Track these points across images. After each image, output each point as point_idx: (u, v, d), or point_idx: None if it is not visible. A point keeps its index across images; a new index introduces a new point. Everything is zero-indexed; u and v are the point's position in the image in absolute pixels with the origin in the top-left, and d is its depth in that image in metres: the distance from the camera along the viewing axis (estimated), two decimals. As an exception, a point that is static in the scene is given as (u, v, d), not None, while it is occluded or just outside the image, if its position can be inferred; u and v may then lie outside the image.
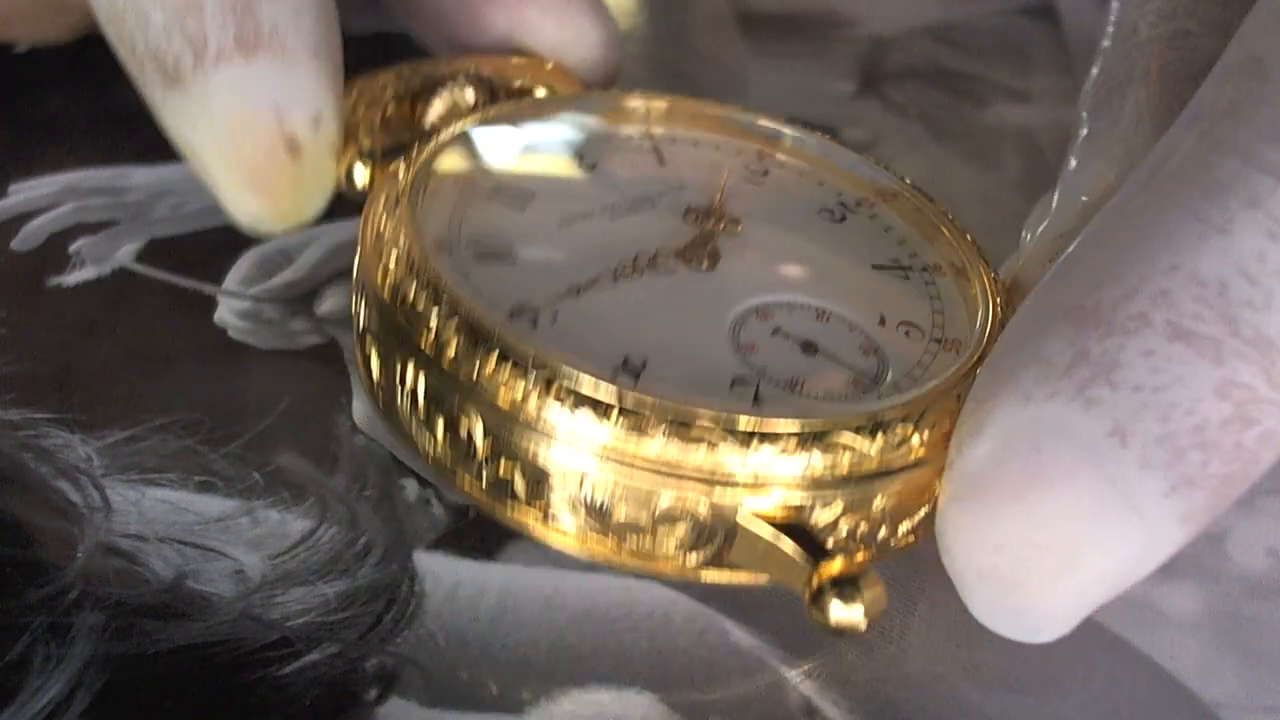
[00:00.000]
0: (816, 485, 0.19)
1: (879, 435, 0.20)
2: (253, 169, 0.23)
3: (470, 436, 0.20)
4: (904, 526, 0.21)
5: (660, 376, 0.20)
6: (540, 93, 0.26)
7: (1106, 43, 0.25)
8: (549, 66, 0.27)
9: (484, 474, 0.20)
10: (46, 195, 0.29)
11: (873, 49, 0.38)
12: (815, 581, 0.18)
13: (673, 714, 0.21)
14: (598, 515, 0.20)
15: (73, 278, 0.27)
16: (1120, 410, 0.18)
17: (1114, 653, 0.23)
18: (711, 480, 0.19)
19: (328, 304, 0.27)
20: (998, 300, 0.22)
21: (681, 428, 0.19)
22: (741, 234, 0.23)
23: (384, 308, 0.21)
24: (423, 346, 0.20)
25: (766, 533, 0.19)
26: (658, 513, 0.20)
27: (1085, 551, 0.18)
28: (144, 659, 0.20)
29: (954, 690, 0.22)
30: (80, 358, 0.26)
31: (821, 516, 0.20)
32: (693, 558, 0.20)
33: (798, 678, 0.22)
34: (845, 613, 0.18)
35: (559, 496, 0.20)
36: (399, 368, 0.21)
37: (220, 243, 0.28)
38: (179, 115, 0.23)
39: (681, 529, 0.20)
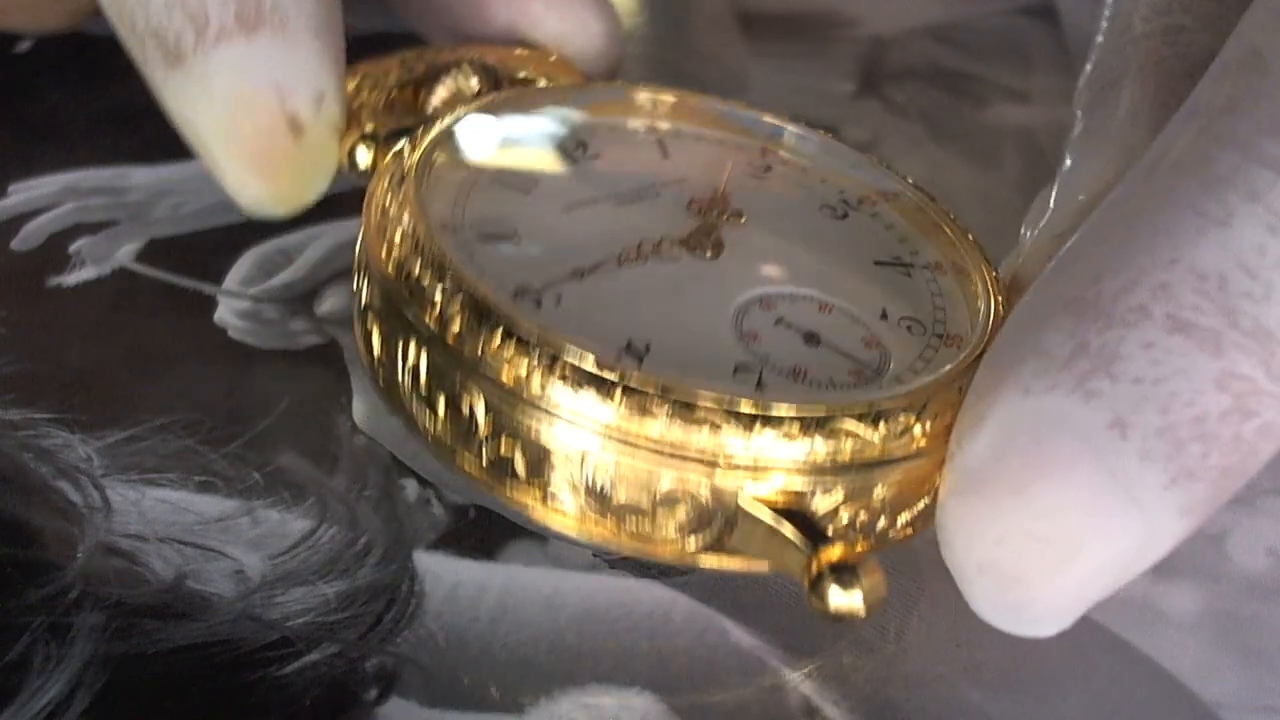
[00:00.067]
0: (818, 471, 0.19)
1: (881, 424, 0.20)
2: (254, 149, 0.23)
3: (471, 414, 0.20)
4: (903, 518, 0.20)
5: (663, 361, 0.20)
6: (543, 84, 0.26)
7: (1101, 38, 0.25)
8: (552, 59, 0.27)
9: (484, 452, 0.20)
10: (46, 195, 0.29)
11: (873, 49, 0.38)
12: (814, 567, 0.18)
13: (672, 714, 0.21)
14: (598, 496, 0.20)
15: (73, 278, 0.27)
16: (1120, 402, 0.18)
17: (1114, 653, 0.23)
18: (713, 463, 0.19)
19: (328, 304, 0.27)
20: (999, 298, 0.22)
21: (685, 409, 0.19)
22: (745, 226, 0.23)
23: (387, 285, 0.21)
24: (426, 323, 0.20)
25: (767, 517, 0.19)
26: (658, 495, 0.19)
27: (1085, 544, 0.18)
28: (144, 659, 0.20)
29: (954, 690, 0.22)
30: (80, 358, 0.26)
31: (822, 504, 0.20)
32: (692, 541, 0.20)
33: (798, 678, 0.22)
34: (844, 599, 0.18)
35: (559, 476, 0.20)
36: (401, 345, 0.21)
37: (220, 243, 0.28)
38: (180, 95, 0.23)
39: (682, 512, 0.20)
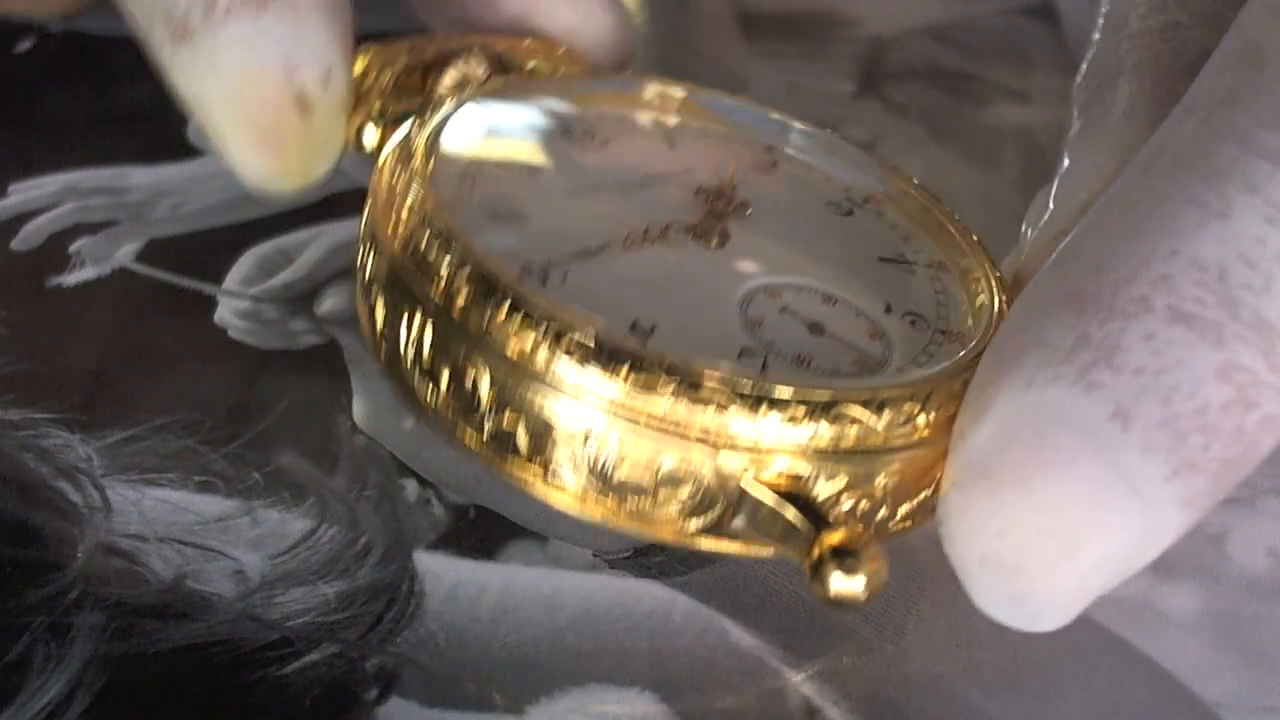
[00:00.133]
0: (821, 457, 0.19)
1: (885, 411, 0.19)
2: (262, 126, 0.23)
3: (475, 388, 0.20)
4: (903, 509, 0.20)
5: (668, 342, 0.20)
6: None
7: (1097, 35, 0.25)
8: (561, 51, 0.27)
9: (486, 427, 0.20)
10: (46, 195, 0.29)
11: (873, 49, 0.38)
12: (816, 551, 0.18)
13: (672, 714, 0.21)
14: (599, 473, 0.20)
15: (73, 278, 0.27)
16: (1122, 393, 0.18)
17: (1114, 653, 0.23)
18: (717, 443, 0.19)
19: (328, 304, 0.27)
20: (1002, 297, 0.22)
21: (691, 388, 0.19)
22: (750, 217, 0.23)
23: (394, 258, 0.21)
24: (432, 296, 0.20)
25: (770, 499, 0.19)
26: (661, 474, 0.19)
27: (1087, 537, 0.18)
28: (144, 659, 0.20)
29: (954, 690, 0.22)
30: (80, 358, 0.26)
31: (824, 489, 0.19)
32: (693, 523, 0.20)
33: (798, 678, 0.22)
34: (845, 584, 0.18)
35: (562, 453, 0.20)
36: (405, 318, 0.21)
37: (220, 243, 0.28)
38: (187, 71, 0.23)
39: (684, 492, 0.19)
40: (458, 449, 0.20)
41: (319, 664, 0.21)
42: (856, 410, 0.19)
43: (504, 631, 0.22)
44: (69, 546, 0.21)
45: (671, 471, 0.19)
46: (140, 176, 0.30)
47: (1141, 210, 0.19)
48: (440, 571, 0.22)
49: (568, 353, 0.19)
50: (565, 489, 0.20)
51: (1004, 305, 0.22)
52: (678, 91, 0.26)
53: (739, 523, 0.20)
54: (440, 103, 0.24)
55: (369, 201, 0.22)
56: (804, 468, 0.19)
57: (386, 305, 0.21)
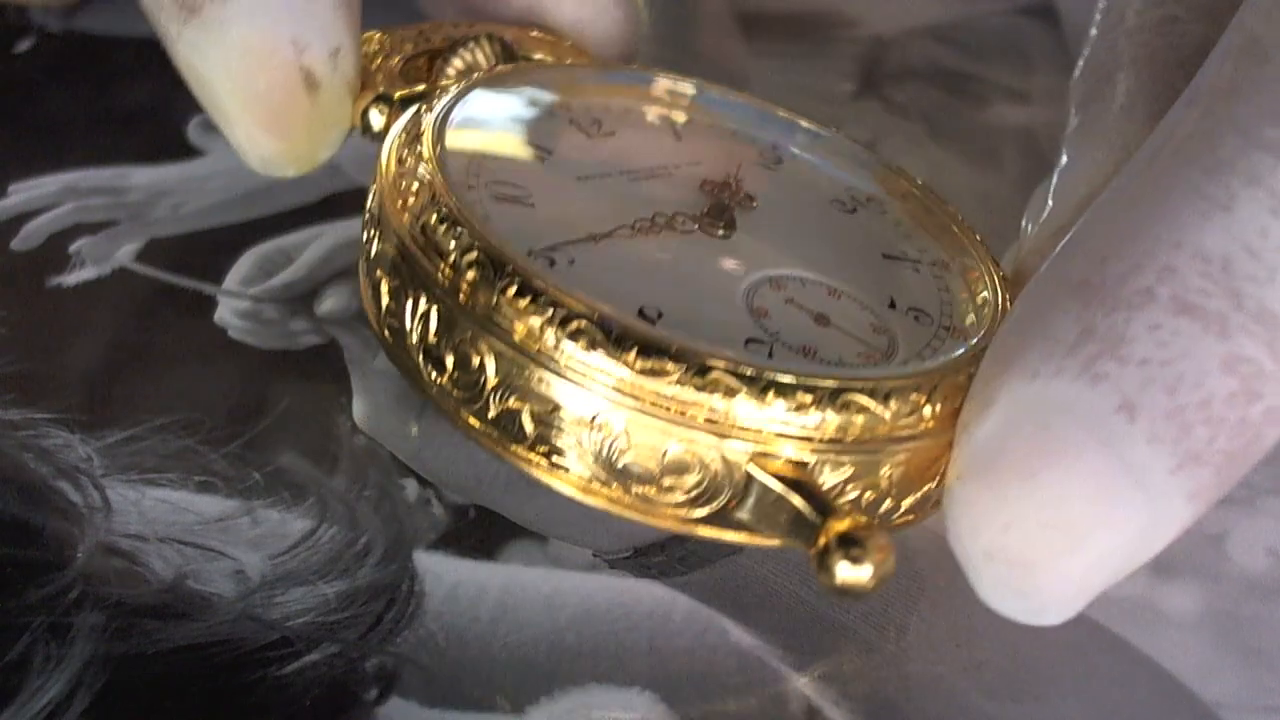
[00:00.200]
0: (828, 445, 0.19)
1: (892, 401, 0.19)
2: (269, 104, 0.23)
3: (480, 371, 0.20)
4: (907, 501, 0.20)
5: (674, 329, 0.20)
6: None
7: (1094, 31, 0.25)
8: (567, 44, 0.27)
9: (490, 411, 0.20)
10: (46, 195, 0.29)
11: (873, 49, 0.38)
12: (823, 539, 0.18)
13: (672, 714, 0.21)
14: (605, 459, 0.20)
15: (73, 278, 0.27)
16: (1127, 384, 0.18)
17: (1114, 653, 0.23)
18: (724, 430, 0.19)
19: (328, 304, 0.27)
20: (1006, 294, 0.22)
21: (699, 373, 0.19)
22: (756, 210, 0.23)
23: (401, 237, 0.21)
24: (438, 278, 0.20)
25: (776, 486, 0.19)
26: (667, 460, 0.19)
27: (1092, 531, 0.18)
28: (144, 659, 0.20)
29: (954, 690, 0.22)
30: (80, 358, 0.26)
31: (830, 478, 0.19)
32: (697, 511, 0.20)
33: (798, 678, 0.22)
34: (852, 573, 0.18)
35: (567, 437, 0.20)
36: (410, 300, 0.21)
37: (220, 243, 0.28)
38: (195, 49, 0.23)
39: (690, 479, 0.19)
40: (460, 430, 0.20)
41: (319, 664, 0.21)
42: (863, 399, 0.19)
43: (504, 631, 0.22)
44: (69, 546, 0.21)
45: (677, 458, 0.19)
46: (140, 176, 0.30)
47: (1145, 202, 0.19)
48: (440, 571, 0.22)
49: (575, 336, 0.19)
50: (569, 474, 0.20)
51: (1007, 302, 0.22)
52: (684, 86, 0.26)
53: (744, 511, 0.19)
54: (447, 88, 0.24)
55: (374, 184, 0.22)
56: (810, 456, 0.19)
57: (391, 288, 0.21)
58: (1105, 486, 0.18)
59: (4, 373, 0.24)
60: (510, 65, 0.25)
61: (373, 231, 0.22)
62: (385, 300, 0.21)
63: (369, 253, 0.22)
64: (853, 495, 0.20)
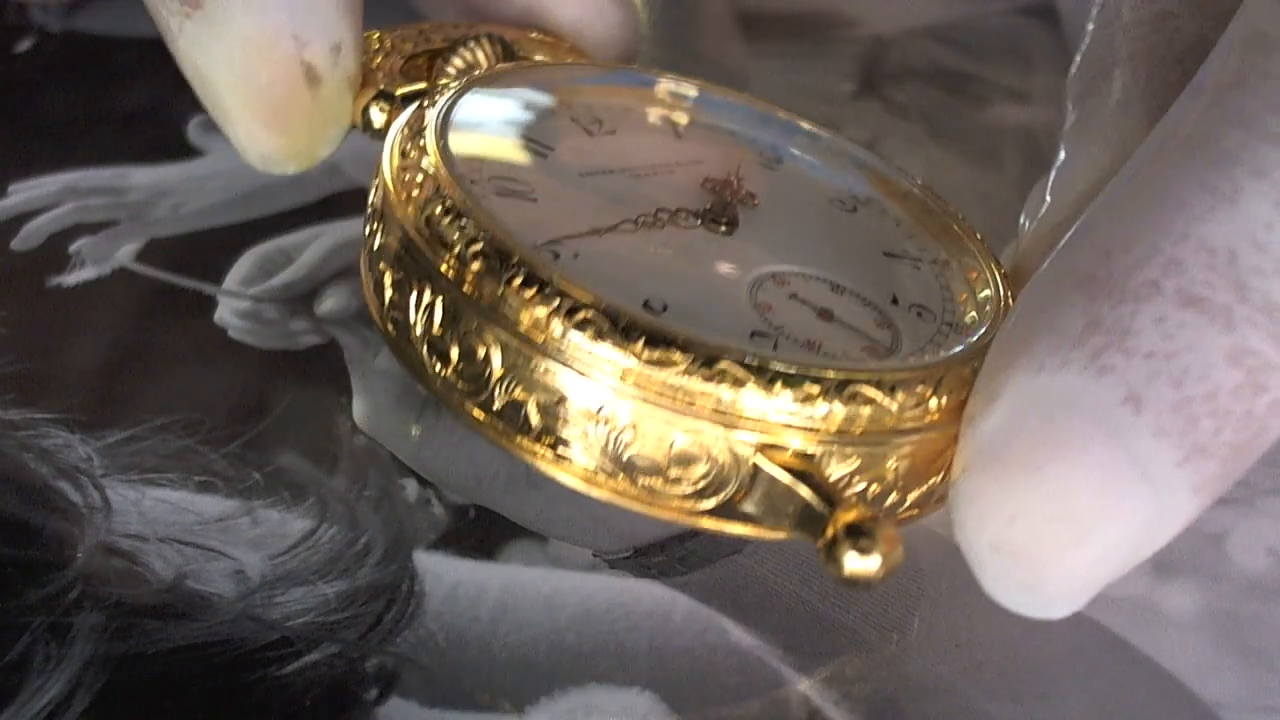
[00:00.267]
0: (835, 437, 0.19)
1: (898, 393, 0.19)
2: (270, 99, 0.23)
3: (485, 362, 0.20)
4: (913, 495, 0.20)
5: (680, 321, 0.20)
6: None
7: (1091, 27, 0.25)
8: (566, 45, 0.27)
9: (495, 402, 0.20)
10: (46, 195, 0.29)
11: (873, 49, 0.38)
12: (831, 530, 0.18)
13: (672, 714, 0.21)
14: (611, 450, 0.19)
15: (73, 278, 0.27)
16: (1133, 377, 0.18)
17: (1114, 653, 0.23)
18: (731, 421, 0.19)
19: (328, 304, 0.27)
20: (1008, 292, 0.22)
21: (706, 364, 0.19)
22: (758, 208, 0.23)
23: (406, 229, 0.21)
24: (443, 269, 0.20)
25: (784, 477, 0.19)
26: (674, 451, 0.19)
27: (1098, 523, 0.18)
28: (144, 659, 0.20)
29: (954, 690, 0.22)
30: (80, 358, 0.26)
31: (836, 470, 0.19)
32: (704, 503, 0.20)
33: (798, 678, 0.22)
34: (861, 563, 0.18)
35: (573, 428, 0.20)
36: (414, 292, 0.21)
37: (220, 243, 0.28)
38: (196, 43, 0.23)
39: (696, 470, 0.19)
40: (465, 422, 0.20)
41: (319, 664, 0.21)
42: (870, 390, 0.19)
43: (504, 631, 0.22)
44: (69, 546, 0.21)
45: (684, 449, 0.19)
46: (140, 176, 0.30)
47: (1150, 194, 0.19)
48: (440, 571, 0.22)
49: (582, 326, 0.19)
50: (574, 466, 0.20)
51: (1009, 300, 0.22)
52: (684, 87, 0.26)
53: (750, 504, 0.19)
54: (448, 85, 0.24)
55: (376, 179, 0.22)
56: (817, 448, 0.19)
57: (395, 280, 0.21)
58: (1111, 479, 0.18)
59: (4, 373, 0.24)
60: (511, 64, 0.25)
61: (375, 225, 0.22)
62: (389, 293, 0.21)
63: (372, 246, 0.22)
64: (859, 488, 0.20)
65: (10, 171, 0.29)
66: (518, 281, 0.19)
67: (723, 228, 0.23)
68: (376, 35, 0.25)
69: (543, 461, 0.20)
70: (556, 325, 0.19)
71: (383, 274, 0.21)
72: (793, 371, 0.19)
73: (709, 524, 0.20)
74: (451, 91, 0.23)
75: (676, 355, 0.19)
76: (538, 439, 0.20)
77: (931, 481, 0.20)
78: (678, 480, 0.19)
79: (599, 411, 0.19)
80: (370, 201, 0.22)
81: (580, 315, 0.19)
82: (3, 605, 0.20)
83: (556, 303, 0.19)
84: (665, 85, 0.26)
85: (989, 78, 0.37)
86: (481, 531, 0.23)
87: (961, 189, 0.33)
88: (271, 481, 0.23)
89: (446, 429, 0.25)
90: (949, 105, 0.36)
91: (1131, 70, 0.23)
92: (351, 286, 0.27)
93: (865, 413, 0.19)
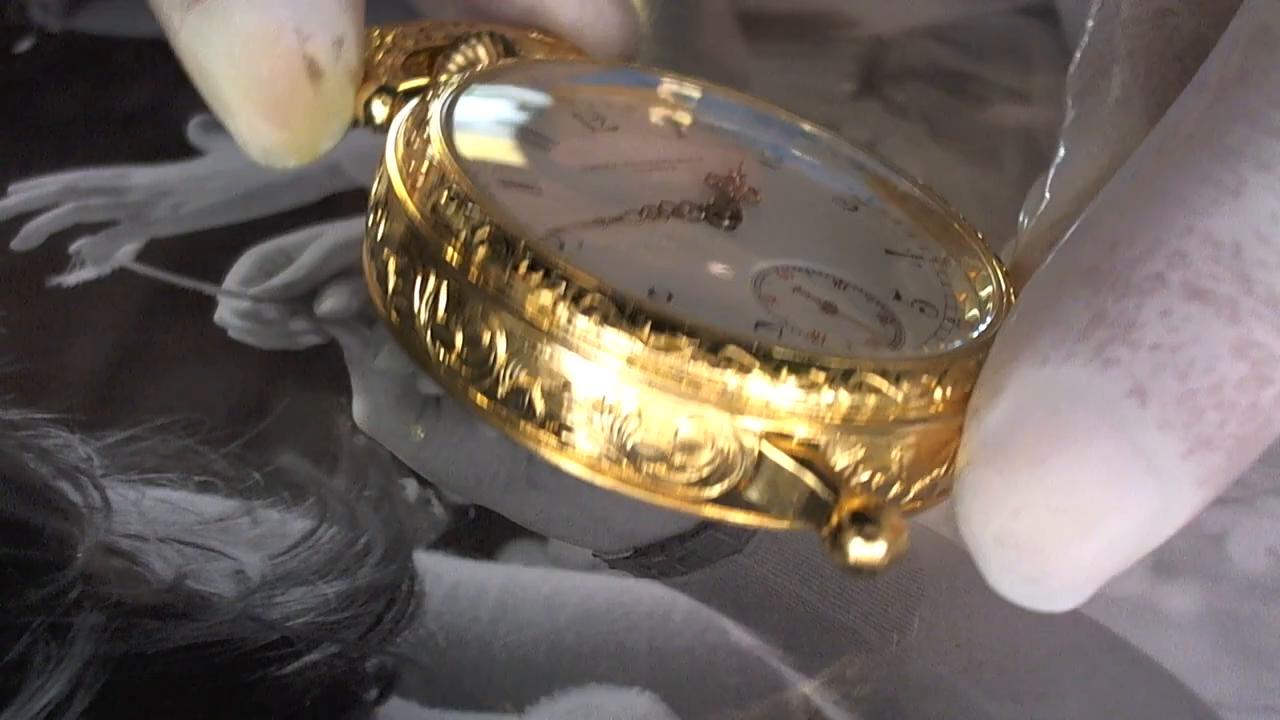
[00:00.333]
0: (840, 426, 0.19)
1: (904, 383, 0.19)
2: (271, 92, 0.23)
3: (490, 348, 0.20)
4: (916, 486, 0.20)
5: (686, 310, 0.20)
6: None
7: (1090, 24, 0.25)
8: (566, 45, 0.27)
9: (500, 389, 0.20)
10: (46, 195, 0.29)
11: (873, 49, 0.38)
12: (836, 517, 0.18)
13: (673, 714, 0.21)
14: (616, 437, 0.19)
15: (73, 278, 0.27)
16: (1139, 369, 0.18)
17: (1114, 653, 0.23)
18: (737, 408, 0.19)
19: (328, 304, 0.27)
20: (1009, 289, 0.22)
21: (712, 350, 0.19)
22: (761, 204, 0.23)
23: (410, 220, 0.21)
24: (448, 256, 0.20)
25: (789, 464, 0.19)
26: (679, 438, 0.19)
27: (1103, 515, 0.18)
28: (144, 659, 0.20)
29: (954, 690, 0.22)
30: (80, 358, 0.26)
31: (841, 459, 0.19)
32: (708, 491, 0.20)
33: (798, 678, 0.22)
34: (866, 550, 0.18)
35: (578, 415, 0.19)
36: (419, 279, 0.20)
37: (220, 243, 0.28)
38: (197, 35, 0.23)
39: (701, 457, 0.19)
40: (469, 409, 0.20)
41: (319, 664, 0.21)
42: (876, 379, 0.19)
43: (504, 631, 0.22)
44: (69, 546, 0.21)
45: (689, 435, 0.19)
46: (140, 176, 0.30)
47: (1155, 188, 0.19)
48: (440, 571, 0.22)
49: (588, 311, 0.19)
50: (578, 453, 0.20)
51: (1011, 297, 0.22)
52: (685, 87, 0.26)
53: (754, 491, 0.19)
54: (450, 80, 0.24)
55: (380, 170, 0.22)
56: (822, 437, 0.19)
57: (399, 268, 0.21)
58: (1116, 472, 0.18)
59: (4, 373, 0.24)
60: (513, 60, 0.25)
61: (379, 214, 0.22)
62: (392, 280, 0.21)
63: (376, 235, 0.22)
64: (863, 478, 0.20)
65: (10, 171, 0.29)
66: (524, 267, 0.19)
67: (726, 222, 0.23)
68: (377, 32, 0.25)
69: (547, 449, 0.20)
70: (562, 310, 0.19)
71: (387, 262, 0.21)
72: (799, 359, 0.19)
73: (712, 512, 0.20)
74: (455, 84, 0.23)
75: (683, 341, 0.19)
76: (542, 425, 0.20)
77: (935, 473, 0.20)
78: (682, 467, 0.19)
79: (604, 397, 0.19)
80: (373, 192, 0.22)
81: (587, 300, 0.19)
82: (3, 605, 0.20)
83: (563, 288, 0.19)
84: (666, 85, 0.26)
85: (989, 78, 0.37)
86: (481, 531, 0.23)
87: (961, 189, 0.33)
88: (271, 481, 0.23)
89: (446, 429, 0.25)
90: (949, 105, 0.36)
91: (1130, 67, 0.23)
92: (351, 286, 0.27)
93: (870, 401, 0.19)
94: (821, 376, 0.19)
